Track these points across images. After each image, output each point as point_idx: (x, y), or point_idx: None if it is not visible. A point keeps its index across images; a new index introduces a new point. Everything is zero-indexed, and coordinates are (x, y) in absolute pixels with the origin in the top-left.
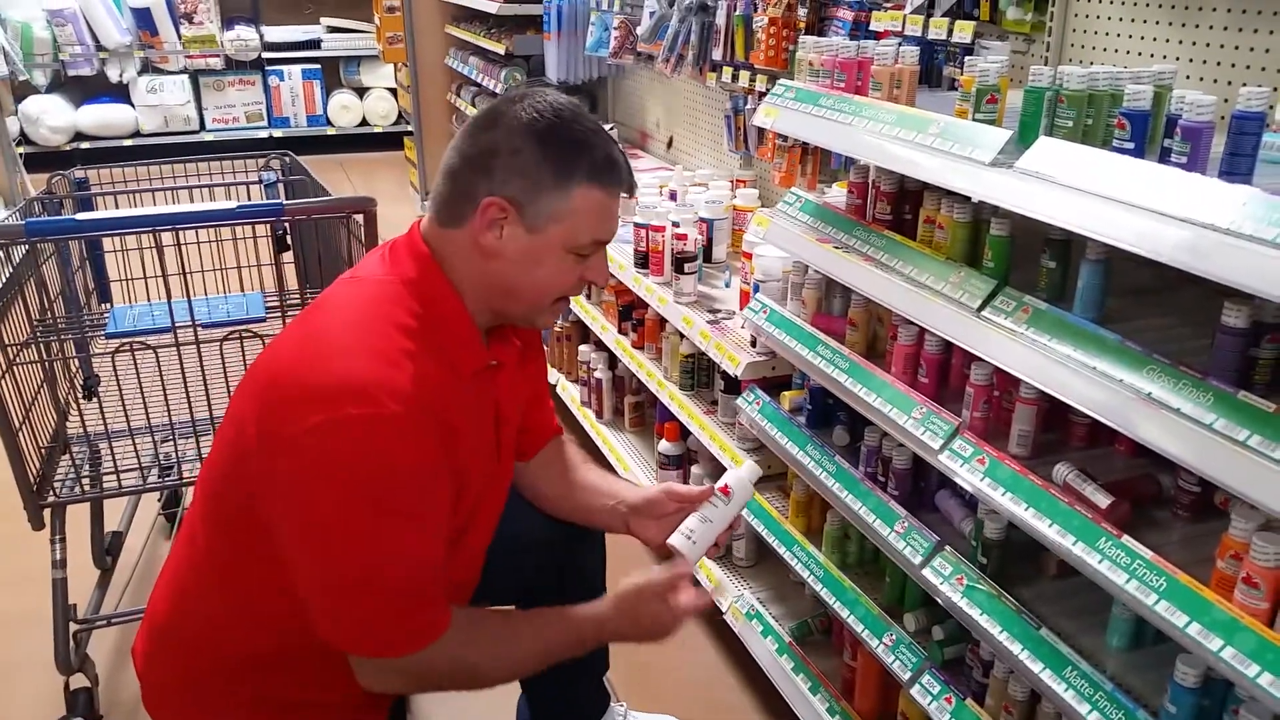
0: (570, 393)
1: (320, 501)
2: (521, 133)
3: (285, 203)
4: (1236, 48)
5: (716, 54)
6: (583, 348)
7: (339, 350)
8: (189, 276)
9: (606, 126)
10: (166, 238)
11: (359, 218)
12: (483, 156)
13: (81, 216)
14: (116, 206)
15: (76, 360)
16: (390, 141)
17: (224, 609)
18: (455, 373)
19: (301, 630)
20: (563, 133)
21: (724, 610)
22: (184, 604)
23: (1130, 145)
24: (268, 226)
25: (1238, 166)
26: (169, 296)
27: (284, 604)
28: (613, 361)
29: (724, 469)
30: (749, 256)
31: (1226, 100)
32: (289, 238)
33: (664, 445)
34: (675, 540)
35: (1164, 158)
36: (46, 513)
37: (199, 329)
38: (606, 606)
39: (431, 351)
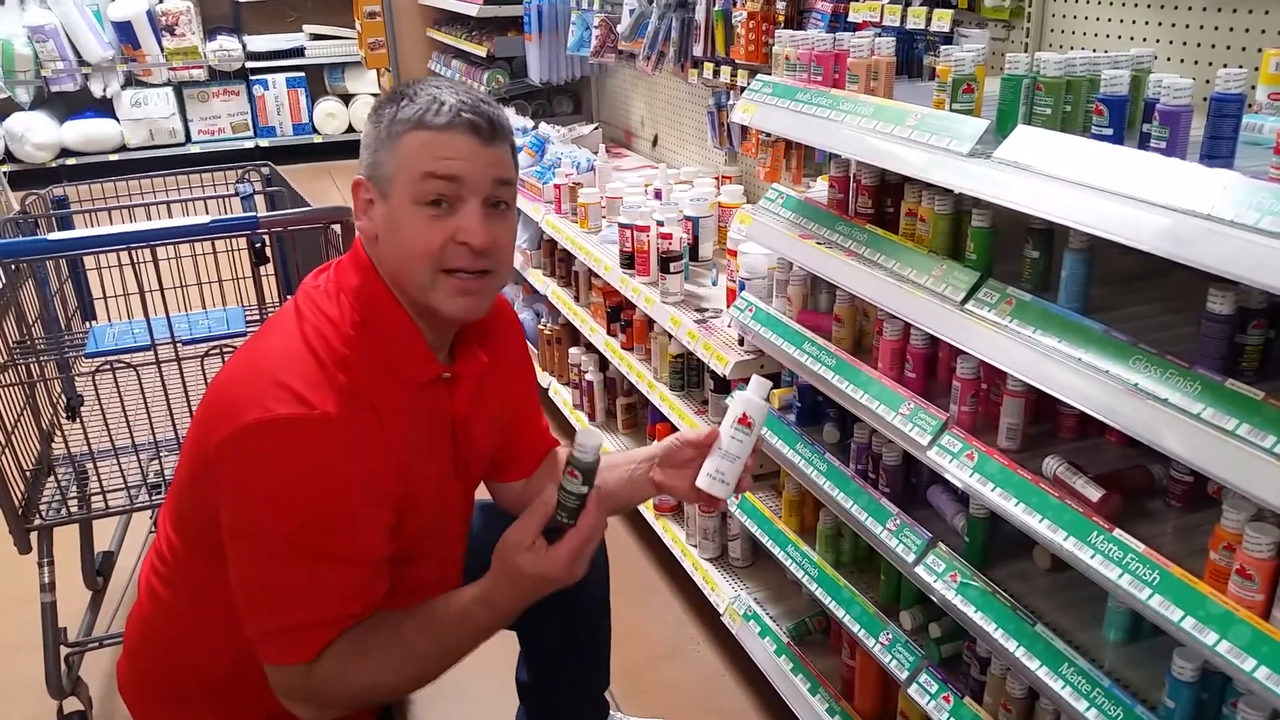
0: (562, 396)
1: (248, 501)
2: (369, 117)
3: (260, 215)
4: (1216, 28)
5: (697, 50)
6: (573, 350)
7: (273, 356)
8: (169, 292)
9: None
10: (144, 254)
11: (336, 227)
12: None
13: (53, 236)
14: (95, 224)
15: (59, 381)
16: None
17: (181, 629)
18: (398, 381)
19: (250, 650)
20: (393, 97)
21: (721, 611)
22: (150, 626)
23: (1109, 131)
24: (246, 239)
25: (1218, 150)
26: (147, 313)
27: (232, 624)
28: (603, 364)
29: None
30: (734, 254)
31: (1209, 82)
32: (267, 250)
33: None
34: (706, 485)
35: (1143, 143)
36: (33, 536)
37: (179, 345)
38: (486, 578)
39: (370, 358)
